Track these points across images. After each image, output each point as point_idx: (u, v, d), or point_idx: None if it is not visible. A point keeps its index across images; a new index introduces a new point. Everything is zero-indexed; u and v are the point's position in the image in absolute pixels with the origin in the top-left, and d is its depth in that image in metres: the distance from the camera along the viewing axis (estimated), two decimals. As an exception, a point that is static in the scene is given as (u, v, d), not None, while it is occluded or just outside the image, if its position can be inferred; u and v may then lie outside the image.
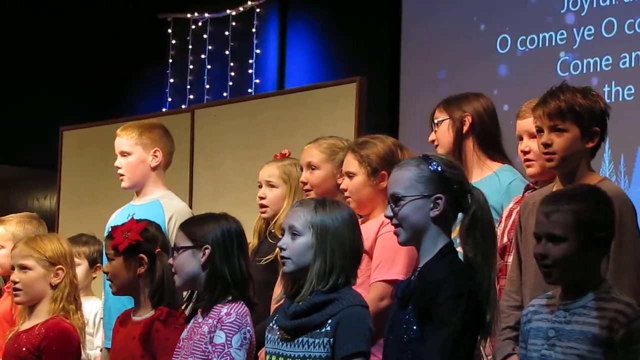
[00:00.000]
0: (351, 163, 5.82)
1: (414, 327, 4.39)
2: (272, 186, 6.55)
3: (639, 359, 4.25)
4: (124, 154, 6.92)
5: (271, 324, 4.90)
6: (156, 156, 6.91)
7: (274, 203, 6.51)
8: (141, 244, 5.49)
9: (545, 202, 4.51)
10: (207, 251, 5.14)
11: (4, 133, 13.44)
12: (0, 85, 13.60)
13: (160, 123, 7.29)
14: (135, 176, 6.91)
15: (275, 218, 6.49)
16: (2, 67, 13.59)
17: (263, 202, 6.57)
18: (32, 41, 13.59)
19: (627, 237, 4.83)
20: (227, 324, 5.03)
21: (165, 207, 6.67)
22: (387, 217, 4.67)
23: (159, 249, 5.50)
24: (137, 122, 7.02)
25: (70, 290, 5.88)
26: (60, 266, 5.87)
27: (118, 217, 6.67)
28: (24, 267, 5.83)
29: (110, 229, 5.94)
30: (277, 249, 5.69)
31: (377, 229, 5.46)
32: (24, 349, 5.74)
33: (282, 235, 4.93)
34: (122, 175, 6.97)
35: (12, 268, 5.97)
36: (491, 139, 6.11)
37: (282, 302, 4.97)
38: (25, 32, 13.61)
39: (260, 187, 6.59)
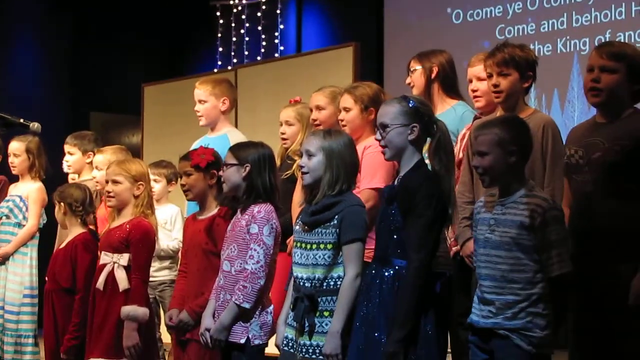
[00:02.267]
0: (348, 100, 5.87)
1: (399, 219, 4.53)
2: (290, 124, 6.56)
3: (552, 238, 4.31)
4: (201, 101, 7.04)
5: (297, 220, 4.97)
6: (225, 103, 7.04)
7: (291, 136, 6.54)
8: (213, 163, 5.55)
9: (474, 129, 4.73)
10: (248, 168, 5.20)
11: (102, 88, 13.43)
12: (101, 53, 13.54)
13: (227, 78, 7.37)
14: (210, 117, 7.05)
15: (292, 146, 6.52)
16: (105, 40, 13.56)
17: (283, 136, 6.59)
18: (120, 18, 13.53)
19: (557, 150, 4.94)
20: (259, 219, 5.14)
21: (231, 138, 6.73)
22: (376, 139, 4.76)
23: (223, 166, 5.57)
24: (210, 77, 7.16)
25: (147, 200, 5.94)
26: (141, 182, 5.90)
27: (198, 145, 6.72)
28: (115, 182, 5.87)
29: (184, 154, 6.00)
30: (294, 166, 5.92)
31: (362, 151, 5.51)
32: (117, 239, 5.80)
33: (300, 157, 4.96)
34: (200, 116, 7.09)
35: (107, 182, 6.02)
36: (450, 83, 6.18)
37: (303, 205, 5.01)
38: (114, 12, 13.54)
39: (281, 125, 6.61)
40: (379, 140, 4.72)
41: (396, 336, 4.39)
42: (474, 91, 5.88)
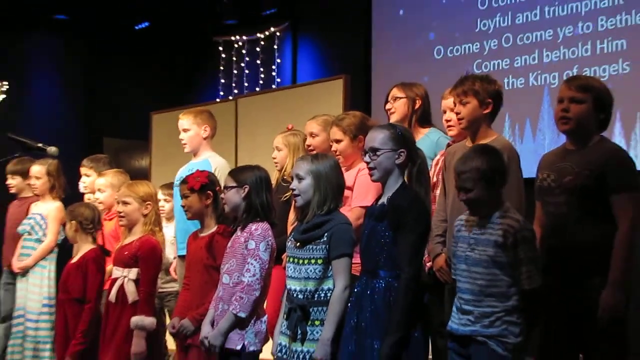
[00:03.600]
0: (337, 133, 5.89)
1: (388, 234, 4.53)
2: (279, 149, 6.57)
3: (521, 256, 4.36)
4: (185, 130, 6.98)
5: (290, 237, 4.95)
6: (206, 130, 6.98)
7: (280, 160, 6.57)
8: (207, 184, 5.54)
9: (457, 165, 4.62)
10: (246, 189, 5.19)
11: (114, 116, 13.44)
12: (113, 84, 13.56)
13: (207, 109, 7.36)
14: (193, 144, 7.00)
15: (283, 169, 6.51)
16: (116, 72, 13.58)
17: (275, 160, 6.61)
18: (131, 53, 13.54)
19: (512, 176, 4.82)
20: (256, 235, 5.13)
21: (212, 162, 6.76)
22: (365, 162, 4.75)
23: (218, 187, 5.56)
24: (192, 109, 7.14)
25: (155, 218, 5.95)
26: (148, 202, 5.92)
27: (184, 171, 6.75)
28: (125, 202, 5.88)
29: (183, 177, 5.98)
30: (290, 191, 5.82)
31: (356, 174, 5.53)
32: (127, 255, 5.79)
33: (292, 180, 4.97)
34: (184, 144, 7.04)
35: (118, 203, 6.03)
36: (426, 115, 6.17)
37: (295, 224, 5.00)
38: (126, 47, 13.55)
39: (274, 150, 6.63)
40: (367, 163, 4.73)
41: (392, 340, 4.37)
42: (447, 121, 5.88)
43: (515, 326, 4.38)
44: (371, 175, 4.76)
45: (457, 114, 5.34)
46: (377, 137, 4.71)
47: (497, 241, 4.40)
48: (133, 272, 5.76)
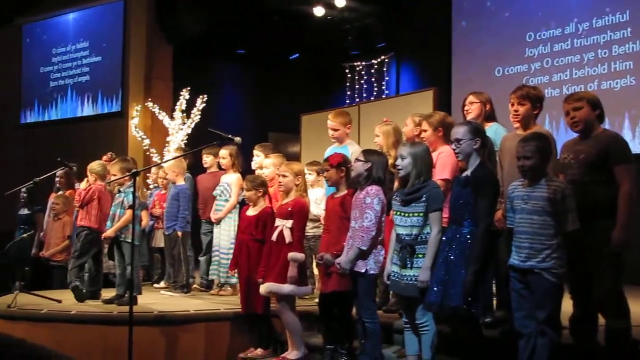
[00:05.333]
0: (425, 125, 5.74)
1: (470, 197, 4.51)
2: (377, 136, 6.32)
3: (568, 206, 4.34)
4: (334, 129, 6.78)
5: (395, 197, 4.89)
6: (349, 127, 6.80)
7: (379, 143, 6.28)
8: (341, 162, 5.50)
9: (520, 141, 4.54)
10: (369, 164, 5.14)
11: (276, 117, 13.56)
12: (275, 94, 13.68)
13: (346, 111, 7.13)
14: (340, 136, 6.71)
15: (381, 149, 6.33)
16: (277, 86, 13.68)
17: (376, 143, 6.33)
18: (287, 74, 13.61)
19: (552, 153, 4.72)
20: (371, 194, 5.10)
21: (350, 149, 6.49)
22: (452, 149, 4.72)
23: (349, 164, 5.51)
24: (337, 111, 6.93)
25: (303, 186, 5.90)
26: (299, 175, 5.87)
27: (329, 151, 6.64)
28: (284, 176, 5.87)
29: (325, 158, 5.94)
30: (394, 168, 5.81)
31: (437, 155, 5.40)
32: (285, 211, 5.79)
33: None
34: (334, 137, 6.74)
35: (279, 175, 6.02)
36: (491, 114, 5.98)
37: (398, 188, 4.97)
38: (284, 70, 13.63)
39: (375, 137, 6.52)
40: (454, 149, 4.68)
41: (473, 269, 4.39)
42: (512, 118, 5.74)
43: (560, 260, 4.31)
44: (457, 158, 4.75)
45: (515, 111, 5.20)
46: (459, 131, 4.67)
47: (549, 197, 4.33)
48: (289, 222, 5.73)
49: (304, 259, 5.80)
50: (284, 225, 5.75)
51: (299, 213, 5.76)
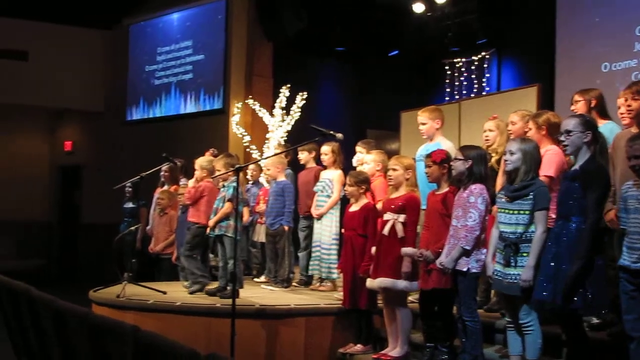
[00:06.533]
0: (530, 124, 5.59)
1: (580, 191, 4.41)
2: (491, 131, 6.25)
3: None
4: (422, 123, 6.72)
5: (500, 195, 4.84)
6: (437, 122, 6.72)
7: (492, 139, 6.21)
8: (444, 159, 5.46)
9: (629, 140, 4.41)
10: (470, 162, 5.09)
11: (375, 114, 13.58)
12: (375, 92, 13.69)
13: (436, 107, 7.08)
14: (429, 133, 6.61)
15: (492, 146, 6.22)
16: (376, 84, 13.69)
17: (487, 138, 6.25)
18: (386, 71, 13.60)
19: None
20: (475, 193, 5.07)
21: (442, 145, 6.33)
22: (560, 140, 4.62)
23: (451, 161, 5.46)
24: (426, 107, 6.86)
25: (413, 182, 5.88)
26: (409, 170, 5.80)
27: (422, 150, 6.57)
28: (394, 169, 5.76)
29: (423, 154, 5.92)
30: (492, 161, 5.82)
31: (543, 153, 5.26)
32: (396, 205, 5.75)
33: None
34: (423, 132, 6.67)
35: (389, 169, 5.96)
36: (603, 110, 5.83)
37: (504, 185, 4.90)
38: (383, 67, 13.63)
39: (484, 132, 6.32)
40: (562, 142, 4.59)
41: (578, 264, 4.29)
42: (621, 114, 5.55)
43: None
44: (565, 150, 4.64)
45: (628, 106, 5.12)
46: (570, 123, 4.56)
47: None
48: (402, 217, 5.70)
49: (416, 254, 5.76)
50: (395, 220, 5.73)
51: (413, 208, 5.73)
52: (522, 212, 4.66)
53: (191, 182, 7.86)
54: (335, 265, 7.24)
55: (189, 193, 7.64)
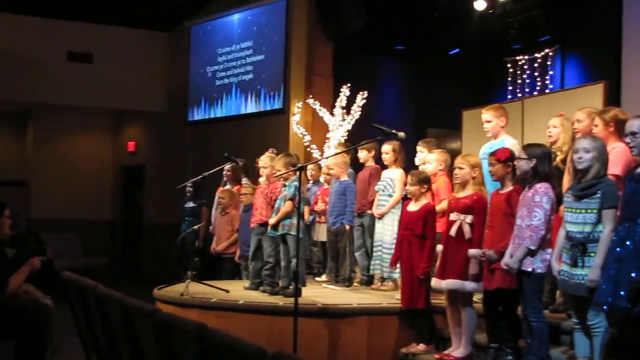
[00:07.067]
0: (597, 120, 5.53)
1: None
2: (555, 127, 6.11)
3: None
4: (488, 121, 6.70)
5: (567, 194, 4.77)
6: (502, 120, 6.68)
7: (555, 135, 6.08)
8: (509, 157, 5.40)
9: None
10: (534, 160, 5.03)
11: (435, 113, 13.50)
12: (436, 91, 13.58)
13: (501, 105, 7.04)
14: (493, 131, 6.65)
15: (556, 142, 6.11)
16: (437, 83, 13.60)
17: (550, 134, 6.14)
18: (447, 70, 13.51)
19: None
20: (540, 192, 5.01)
21: (506, 143, 6.30)
22: (626, 142, 4.58)
23: (515, 160, 5.40)
24: (490, 105, 6.82)
25: (480, 180, 5.83)
26: (476, 168, 5.70)
27: (485, 148, 6.54)
28: (460, 168, 5.73)
29: (487, 152, 5.87)
30: (557, 160, 5.73)
31: (610, 150, 5.16)
32: (463, 205, 5.71)
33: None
34: (487, 131, 6.69)
35: (455, 167, 5.90)
36: None
37: (572, 183, 4.81)
38: (444, 66, 13.54)
39: (548, 128, 6.21)
40: (628, 143, 4.49)
41: None
42: None
43: None
44: (632, 152, 4.57)
45: None
46: (635, 124, 4.49)
47: None
48: (469, 218, 5.65)
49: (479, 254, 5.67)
50: (462, 220, 5.70)
51: (481, 209, 5.66)
52: (589, 210, 4.59)
53: (262, 181, 7.89)
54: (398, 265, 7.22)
55: (261, 193, 7.63)
